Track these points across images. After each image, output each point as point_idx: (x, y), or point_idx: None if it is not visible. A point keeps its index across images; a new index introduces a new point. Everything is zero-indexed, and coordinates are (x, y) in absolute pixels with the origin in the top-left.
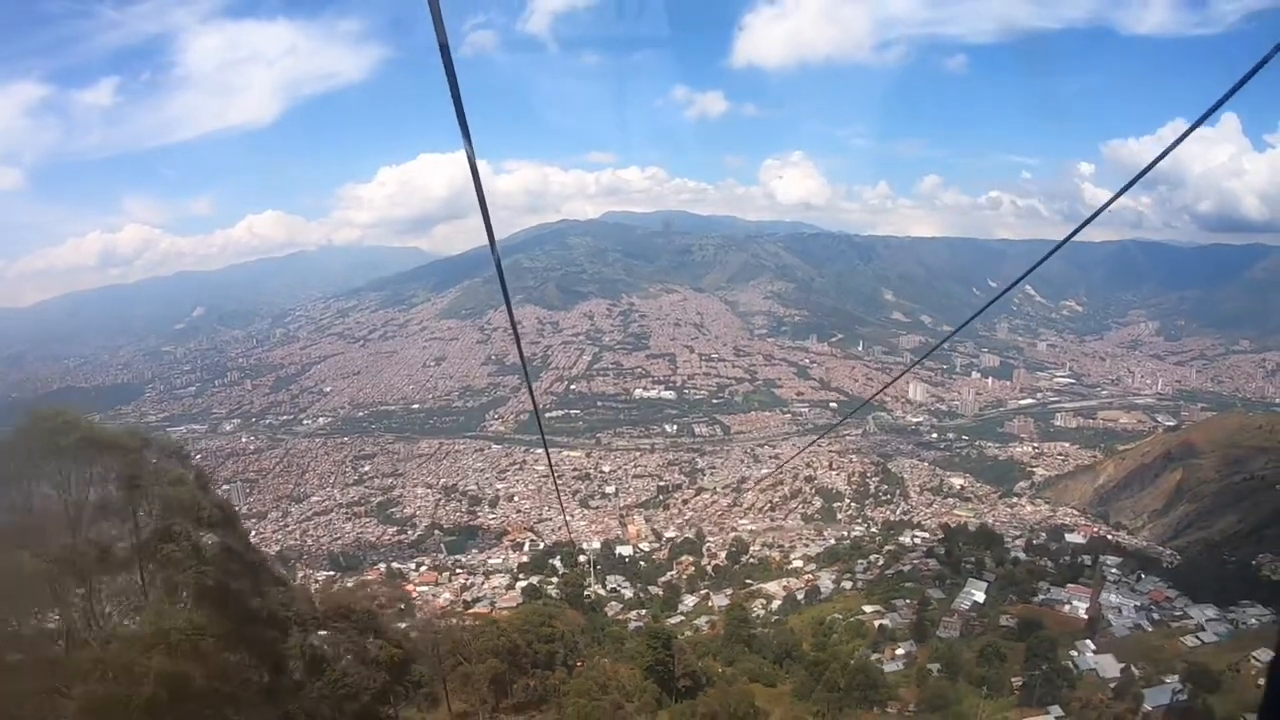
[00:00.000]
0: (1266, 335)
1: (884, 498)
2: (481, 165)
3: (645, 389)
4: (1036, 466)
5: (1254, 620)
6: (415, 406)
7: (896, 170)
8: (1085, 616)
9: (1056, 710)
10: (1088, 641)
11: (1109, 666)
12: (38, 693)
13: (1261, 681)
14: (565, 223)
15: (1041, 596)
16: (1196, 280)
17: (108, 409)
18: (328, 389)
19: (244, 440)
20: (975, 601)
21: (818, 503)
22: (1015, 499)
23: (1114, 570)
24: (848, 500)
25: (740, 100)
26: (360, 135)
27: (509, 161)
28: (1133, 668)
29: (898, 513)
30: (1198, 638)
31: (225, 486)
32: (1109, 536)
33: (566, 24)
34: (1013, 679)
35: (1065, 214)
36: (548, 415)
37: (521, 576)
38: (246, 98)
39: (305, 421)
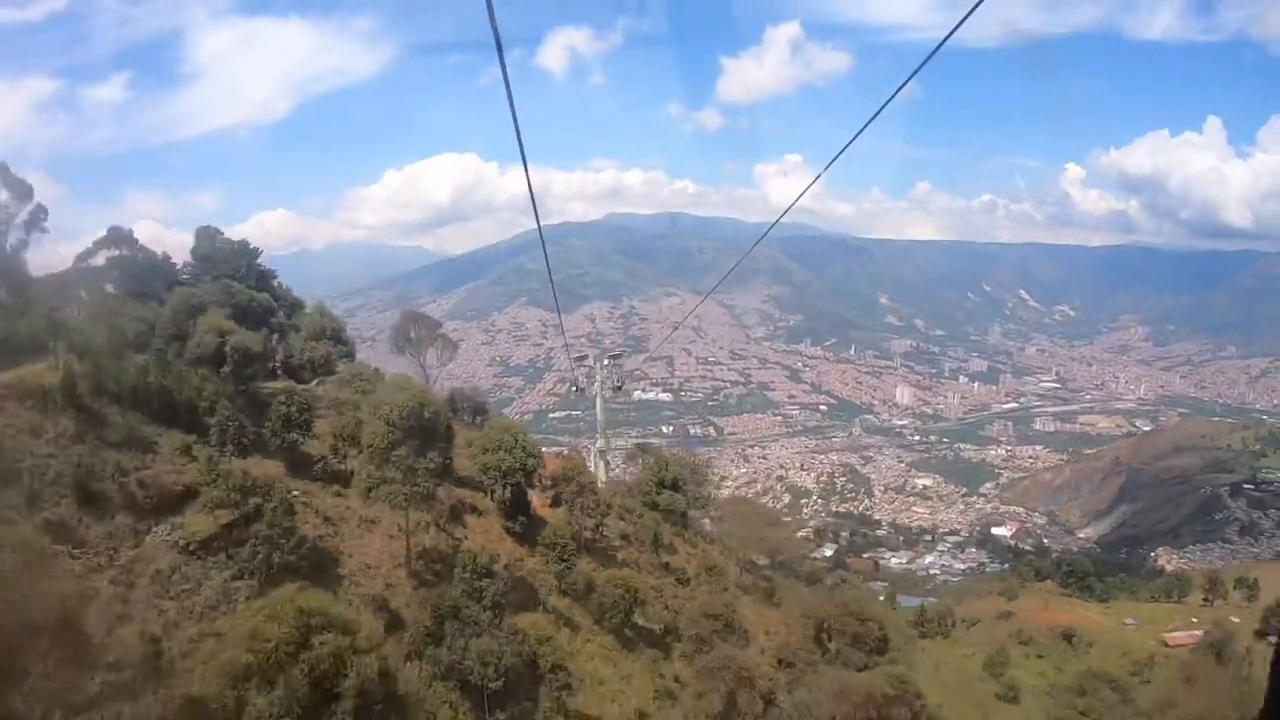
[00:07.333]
0: (1253, 341)
1: (849, 495)
2: (489, 168)
3: (644, 390)
4: (1004, 469)
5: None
6: None
7: (894, 173)
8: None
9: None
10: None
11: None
12: None
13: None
14: (567, 225)
15: (869, 554)
16: (1188, 285)
17: None
18: None
19: None
20: (824, 555)
21: (787, 499)
22: (975, 498)
23: (948, 544)
24: (815, 497)
25: (739, 109)
26: (368, 135)
27: (513, 166)
28: (871, 584)
29: (860, 509)
30: (930, 573)
31: None
32: (1037, 531)
33: (573, 55)
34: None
35: (1057, 218)
36: (551, 416)
37: None
38: (257, 95)
39: None
